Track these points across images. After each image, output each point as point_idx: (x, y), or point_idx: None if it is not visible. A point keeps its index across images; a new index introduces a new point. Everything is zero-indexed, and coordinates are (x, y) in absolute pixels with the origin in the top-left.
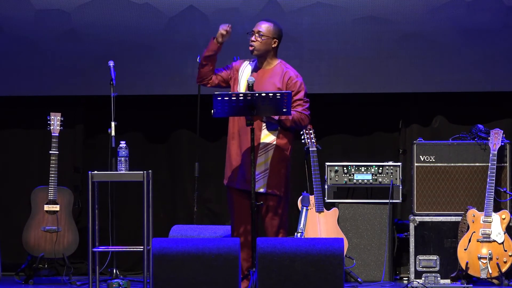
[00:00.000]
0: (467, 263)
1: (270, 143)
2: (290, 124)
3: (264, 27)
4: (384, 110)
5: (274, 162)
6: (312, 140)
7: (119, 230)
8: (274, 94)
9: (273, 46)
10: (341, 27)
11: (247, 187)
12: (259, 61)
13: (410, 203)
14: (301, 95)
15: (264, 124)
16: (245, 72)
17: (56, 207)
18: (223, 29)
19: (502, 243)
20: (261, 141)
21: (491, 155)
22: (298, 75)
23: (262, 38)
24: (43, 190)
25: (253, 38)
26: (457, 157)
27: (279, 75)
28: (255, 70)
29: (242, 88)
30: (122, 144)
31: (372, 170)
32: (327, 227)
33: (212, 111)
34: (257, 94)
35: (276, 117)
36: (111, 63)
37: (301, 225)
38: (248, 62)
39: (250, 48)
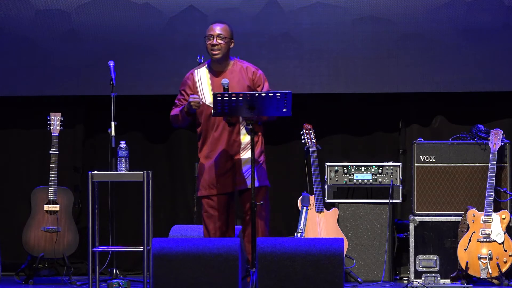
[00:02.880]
0: (467, 263)
1: (248, 142)
2: (267, 118)
3: (223, 29)
4: (384, 110)
5: (256, 156)
6: (312, 140)
7: (119, 230)
8: (274, 94)
9: (231, 47)
10: (341, 27)
11: (237, 187)
12: (216, 65)
13: (410, 203)
14: (267, 86)
15: (242, 126)
16: (203, 81)
17: (56, 207)
18: (194, 101)
19: (502, 243)
20: (242, 141)
21: (491, 155)
22: (257, 68)
23: (225, 40)
24: (43, 190)
25: (215, 42)
26: (457, 157)
27: (241, 73)
28: (214, 75)
29: (208, 96)
30: (122, 144)
31: (372, 170)
32: (327, 227)
33: (212, 111)
34: (256, 94)
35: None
36: (111, 63)
37: (301, 225)
38: (198, 70)
39: (215, 53)
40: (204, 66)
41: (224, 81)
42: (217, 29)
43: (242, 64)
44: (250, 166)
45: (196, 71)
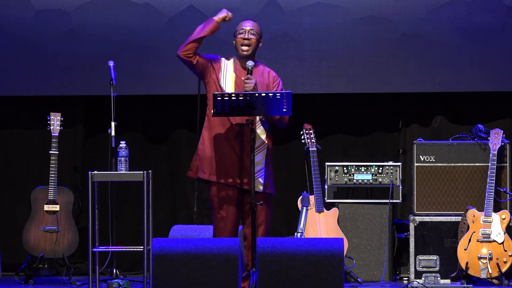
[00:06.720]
0: (467, 263)
1: (264, 141)
2: (278, 122)
3: (254, 25)
4: (384, 110)
5: (267, 161)
6: (312, 140)
7: (119, 230)
8: (274, 94)
9: (259, 46)
10: (341, 27)
11: (242, 185)
12: (243, 62)
13: (410, 203)
14: None
15: (259, 123)
16: (228, 71)
17: (56, 207)
18: (228, 14)
19: (502, 243)
20: (257, 139)
21: (491, 155)
22: (277, 75)
23: (256, 36)
24: (43, 190)
25: (247, 36)
26: (457, 157)
27: (263, 74)
28: (240, 71)
29: (229, 86)
30: (122, 144)
31: (372, 170)
32: (327, 227)
33: (212, 110)
34: (257, 94)
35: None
36: (111, 63)
37: (301, 225)
38: (225, 60)
39: (246, 48)
40: (232, 60)
41: (250, 62)
42: (249, 25)
43: (265, 67)
44: (262, 169)
45: (223, 59)
